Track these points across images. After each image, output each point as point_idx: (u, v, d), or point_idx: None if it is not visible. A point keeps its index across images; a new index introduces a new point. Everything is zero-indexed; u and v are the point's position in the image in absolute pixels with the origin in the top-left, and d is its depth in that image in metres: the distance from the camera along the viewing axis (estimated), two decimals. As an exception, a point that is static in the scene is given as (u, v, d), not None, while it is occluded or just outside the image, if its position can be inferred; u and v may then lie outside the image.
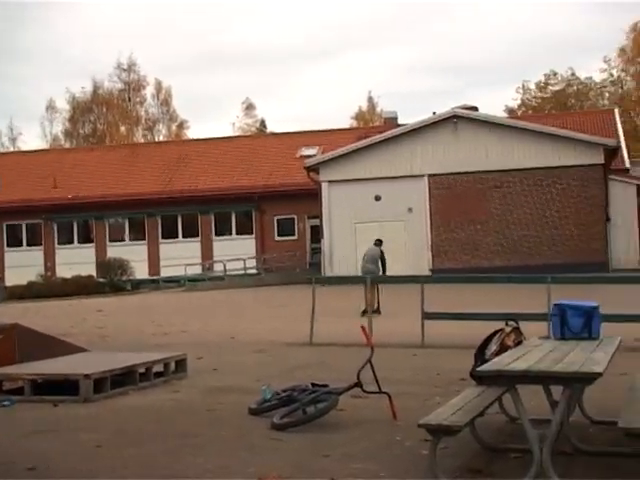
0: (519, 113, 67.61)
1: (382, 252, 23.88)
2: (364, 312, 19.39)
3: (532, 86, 72.48)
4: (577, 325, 7.19)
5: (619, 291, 20.63)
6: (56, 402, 9.20)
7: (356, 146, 38.10)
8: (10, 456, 6.72)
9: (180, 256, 42.02)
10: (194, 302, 29.85)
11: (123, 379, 10.11)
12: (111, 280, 40.82)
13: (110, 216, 45.82)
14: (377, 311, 20.44)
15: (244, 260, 41.35)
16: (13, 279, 42.91)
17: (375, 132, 42.42)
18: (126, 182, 45.89)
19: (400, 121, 44.71)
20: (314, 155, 42.57)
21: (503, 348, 7.15)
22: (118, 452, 6.78)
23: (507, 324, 7.60)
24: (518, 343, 7.30)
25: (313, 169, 38.61)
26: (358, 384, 7.99)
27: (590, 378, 5.56)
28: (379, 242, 24.54)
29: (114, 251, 43.89)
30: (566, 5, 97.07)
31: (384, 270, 23.50)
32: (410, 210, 37.10)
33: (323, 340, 15.57)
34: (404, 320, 17.99)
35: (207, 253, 44.14)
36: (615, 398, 7.97)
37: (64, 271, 42.55)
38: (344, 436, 7.27)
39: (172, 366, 11.24)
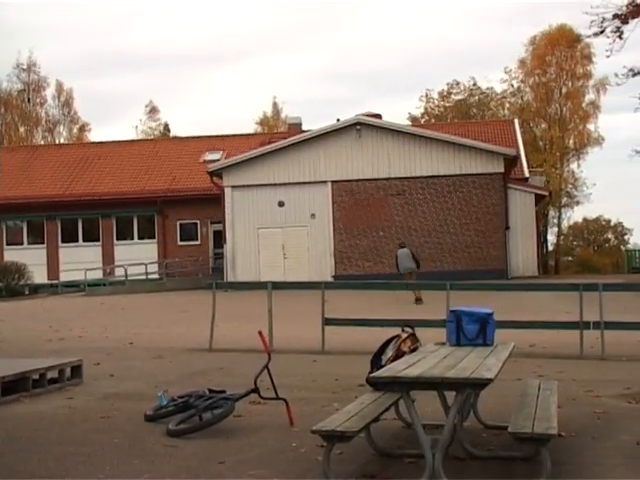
0: (422, 121, 68.45)
1: (412, 251, 28.71)
2: (418, 300, 24.10)
3: (435, 95, 73.53)
4: (472, 331, 7.28)
5: (517, 298, 21.04)
6: (-56, 410, 8.95)
7: (260, 151, 38.05)
8: None
9: (80, 260, 41.39)
10: (93, 307, 29.41)
11: (16, 386, 9.87)
12: (8, 284, 39.92)
13: (8, 219, 44.87)
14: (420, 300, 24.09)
15: (146, 265, 40.89)
16: None
17: (279, 138, 42.46)
18: (25, 184, 45.00)
19: (304, 127, 44.81)
20: (218, 160, 42.37)
21: (399, 354, 7.19)
22: (6, 461, 6.63)
23: (403, 330, 7.66)
24: (414, 349, 7.36)
25: (216, 174, 38.43)
26: (255, 390, 7.96)
27: (481, 384, 5.62)
28: (403, 244, 29.70)
29: (11, 255, 42.94)
30: (469, 17, 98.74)
31: (418, 266, 28.08)
32: (313, 216, 37.20)
33: (223, 346, 15.49)
34: (305, 326, 18.01)
35: (108, 257, 43.56)
36: (509, 403, 8.10)
37: (-41, 275, 41.51)
38: (240, 442, 7.23)
39: (67, 372, 11.02)
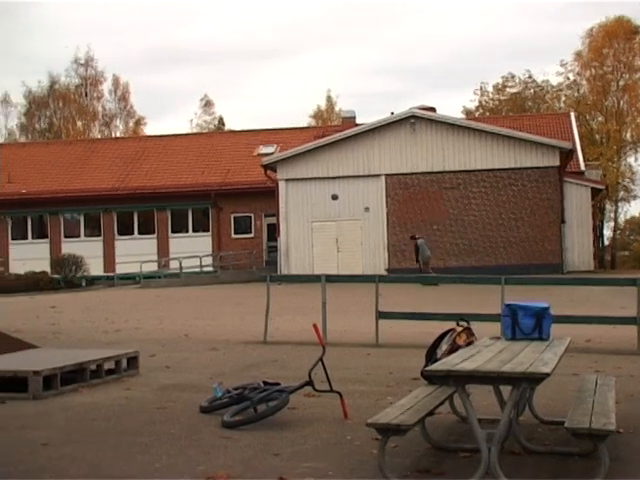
0: (476, 115, 68.01)
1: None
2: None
3: (490, 88, 72.99)
4: (528, 326, 7.22)
5: (572, 293, 20.84)
6: (4, 399, 9.08)
7: (314, 145, 38.10)
8: (-45, 453, 6.63)
9: (136, 253, 41.80)
10: (148, 299, 29.65)
11: (74, 376, 10.00)
12: (65, 276, 40.49)
13: (65, 212, 45.45)
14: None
15: (200, 258, 41.19)
16: (-35, 274, 42.51)
17: (333, 131, 42.47)
18: (82, 178, 45.54)
19: (358, 121, 44.78)
20: (272, 153, 42.53)
21: (454, 348, 7.16)
22: (65, 450, 6.71)
23: (458, 324, 7.62)
24: (469, 343, 7.32)
25: (270, 167, 38.57)
26: (309, 383, 7.97)
27: (538, 378, 5.58)
28: (418, 236, 33.94)
29: (69, 247, 43.53)
30: (525, 9, 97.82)
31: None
32: (367, 209, 37.18)
33: (277, 338, 15.54)
34: (358, 319, 18.03)
35: (163, 250, 43.94)
36: (565, 399, 8.04)
37: (18, 267, 42.18)
38: (294, 434, 7.25)
39: (124, 363, 11.13)
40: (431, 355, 7.33)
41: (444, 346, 7.26)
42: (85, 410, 8.59)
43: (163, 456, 6.47)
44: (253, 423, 7.54)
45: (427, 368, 6.23)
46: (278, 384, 8.32)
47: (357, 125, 41.38)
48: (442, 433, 7.18)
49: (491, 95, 73.32)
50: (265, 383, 8.45)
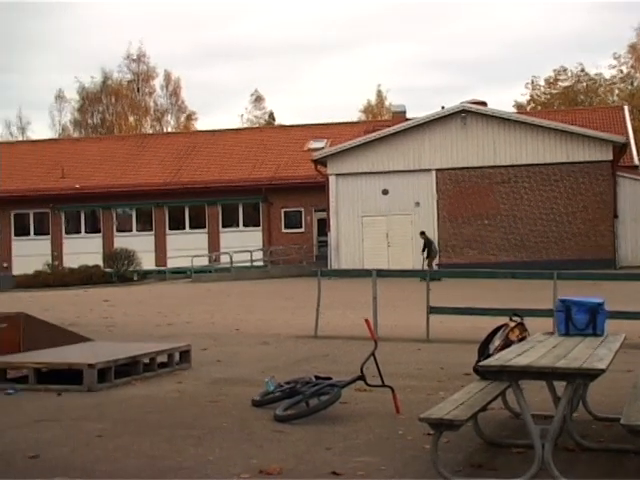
0: (528, 109, 67.48)
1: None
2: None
3: (541, 82, 72.35)
4: (582, 321, 7.16)
5: (625, 288, 20.60)
6: (60, 391, 9.21)
7: (364, 139, 38.09)
8: (13, 444, 6.73)
9: (187, 247, 42.07)
10: (200, 293, 29.87)
11: (127, 369, 10.11)
12: (118, 270, 40.89)
13: (118, 206, 45.87)
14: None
15: (251, 252, 41.36)
16: (20, 268, 43.12)
17: (383, 126, 42.39)
18: (134, 172, 45.91)
19: (408, 115, 44.65)
20: (322, 148, 42.55)
21: (507, 343, 7.12)
22: (120, 442, 6.79)
23: (511, 319, 7.58)
24: (522, 339, 7.27)
25: (321, 162, 38.61)
26: (361, 377, 7.98)
27: (593, 374, 5.54)
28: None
29: (121, 241, 43.96)
30: (577, 2, 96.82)
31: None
32: (417, 204, 37.10)
33: (328, 333, 15.56)
34: (409, 314, 18.00)
35: (214, 245, 44.18)
36: (620, 395, 7.96)
37: (71, 261, 42.67)
38: (346, 429, 7.26)
39: (176, 357, 11.23)
40: (483, 350, 7.29)
41: (497, 341, 7.22)
42: (139, 403, 8.69)
43: (216, 449, 6.53)
44: (305, 417, 7.56)
45: (480, 363, 6.20)
46: (330, 378, 8.34)
47: (407, 120, 41.27)
48: (494, 429, 7.16)
49: (543, 89, 72.69)
50: (317, 377, 8.47)
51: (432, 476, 5.66)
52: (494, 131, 36.55)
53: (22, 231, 46.64)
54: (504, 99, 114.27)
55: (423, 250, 34.08)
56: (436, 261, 34.88)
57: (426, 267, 32.57)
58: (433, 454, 5.66)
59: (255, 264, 41.79)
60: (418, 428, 6.72)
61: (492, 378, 6.43)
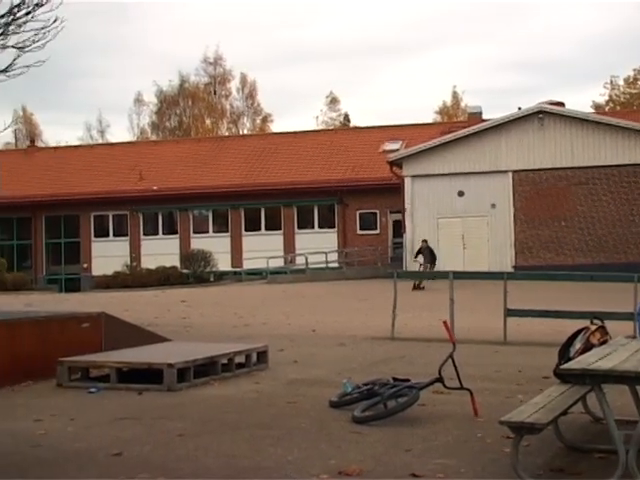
0: (606, 109, 66.48)
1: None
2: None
3: (620, 82, 71.23)
4: (664, 325, 7.06)
5: None
6: (141, 390, 9.35)
7: (440, 141, 37.91)
8: (96, 441, 6.86)
9: (262, 249, 42.29)
10: (275, 295, 30.02)
11: (206, 369, 10.22)
12: (195, 271, 41.30)
13: (194, 208, 46.32)
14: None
15: (326, 254, 41.46)
16: (100, 269, 43.87)
17: (459, 127, 42.17)
18: (211, 174, 46.31)
19: (484, 116, 44.28)
20: (397, 149, 42.47)
21: (588, 347, 7.05)
22: (200, 441, 6.86)
23: (592, 322, 7.49)
24: (603, 342, 7.19)
25: (396, 163, 38.54)
26: (439, 379, 7.96)
27: (678, 379, 5.45)
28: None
29: (198, 243, 44.38)
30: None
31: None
32: (493, 206, 36.80)
33: (404, 334, 15.56)
34: (485, 316, 17.91)
35: (289, 246, 44.35)
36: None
37: (149, 262, 43.22)
38: (425, 431, 7.25)
39: (254, 357, 11.32)
40: (564, 353, 7.22)
41: (578, 344, 7.14)
42: (217, 403, 8.77)
43: (295, 449, 6.56)
44: (383, 419, 7.57)
45: (562, 366, 6.14)
46: (408, 380, 8.32)
47: (483, 121, 40.96)
48: (575, 433, 7.08)
49: (622, 89, 71.56)
50: (395, 379, 8.46)
51: (512, 479, 5.62)
52: (572, 132, 36.09)
53: (102, 233, 47.38)
54: (582, 100, 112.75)
55: (416, 256, 34.49)
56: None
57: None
58: (513, 457, 5.62)
59: (330, 265, 41.87)
60: (497, 431, 6.68)
61: (573, 382, 6.36)
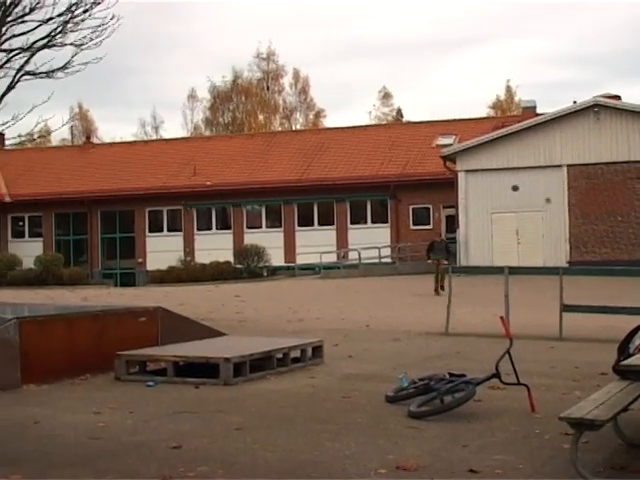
0: (664, 102, 65.52)
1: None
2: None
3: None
4: None
5: None
6: (197, 384, 9.43)
7: (493, 135, 37.66)
8: (156, 434, 6.94)
9: (315, 244, 42.35)
10: (329, 289, 30.07)
11: (261, 363, 10.29)
12: (248, 266, 41.49)
13: (247, 203, 46.52)
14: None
15: (379, 249, 41.42)
16: (154, 264, 44.25)
17: (513, 121, 41.86)
18: (264, 170, 46.46)
19: (539, 110, 43.89)
20: (450, 144, 42.27)
21: (647, 343, 6.97)
22: (257, 435, 6.90)
23: (652, 318, 7.41)
24: (663, 338, 7.10)
25: (449, 158, 38.37)
26: (496, 375, 7.92)
27: None
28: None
29: (251, 238, 44.54)
30: None
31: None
32: (548, 201, 36.48)
33: (459, 330, 15.50)
34: (540, 312, 17.77)
35: (342, 241, 44.37)
36: None
37: (203, 257, 43.48)
38: (482, 426, 7.23)
39: (309, 352, 11.37)
40: (624, 350, 7.15)
41: (637, 340, 7.07)
42: (274, 397, 8.82)
43: (352, 444, 6.58)
44: (439, 414, 7.56)
45: (622, 362, 6.09)
46: (464, 375, 8.30)
47: (537, 115, 40.60)
48: (634, 430, 7.01)
49: (679, 81, 70.53)
50: (451, 374, 8.45)
51: (571, 476, 5.58)
52: (628, 125, 35.63)
53: (156, 228, 47.78)
54: (638, 93, 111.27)
55: (428, 252, 30.06)
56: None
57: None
58: (573, 454, 5.58)
59: (383, 261, 41.83)
60: (555, 427, 6.65)
61: (634, 378, 6.30)
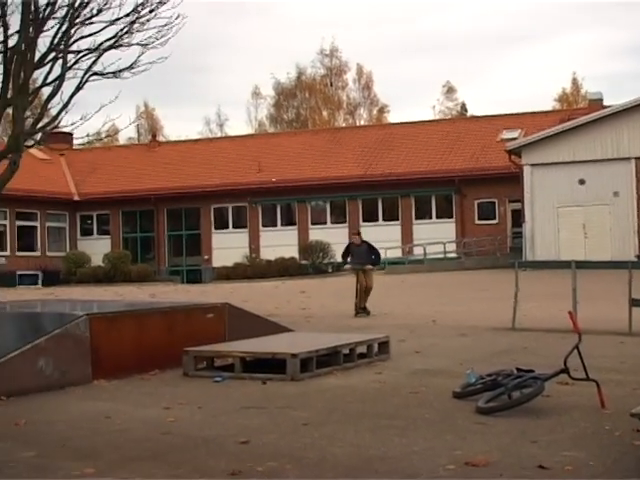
0: None
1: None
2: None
3: None
4: None
5: None
6: (264, 380, 9.49)
7: (560, 128, 37.29)
8: (224, 429, 7.00)
9: (380, 239, 42.19)
10: (394, 285, 30.05)
11: (328, 359, 10.32)
12: (313, 262, 41.59)
13: (312, 199, 46.61)
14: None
15: (444, 244, 41.28)
16: (220, 260, 44.60)
17: (579, 114, 41.37)
18: (328, 166, 46.52)
19: (605, 103, 43.32)
20: (516, 138, 41.93)
21: None
22: (325, 430, 6.93)
23: None
24: None
25: (515, 152, 38.08)
26: (565, 370, 7.85)
27: None
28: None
29: (316, 234, 44.66)
30: None
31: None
32: (616, 194, 36.00)
33: (526, 325, 15.40)
34: (608, 307, 17.57)
35: (407, 236, 44.27)
36: None
37: (268, 253, 43.70)
38: (551, 422, 7.17)
39: (375, 348, 11.38)
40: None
41: None
42: (340, 392, 8.85)
43: (420, 440, 6.57)
44: (507, 410, 7.52)
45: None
46: (532, 371, 8.24)
47: (605, 107, 40.08)
48: None
49: None
50: (518, 370, 8.40)
51: (643, 473, 5.53)
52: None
53: (221, 224, 48.12)
54: None
55: (344, 257, 21.97)
56: None
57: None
58: (644, 450, 5.52)
59: (448, 256, 41.68)
60: (626, 423, 6.58)
61: None
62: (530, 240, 37.05)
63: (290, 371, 9.57)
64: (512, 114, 48.81)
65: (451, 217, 44.30)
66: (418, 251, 42.02)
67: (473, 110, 77.56)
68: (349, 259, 21.32)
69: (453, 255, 42.32)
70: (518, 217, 40.06)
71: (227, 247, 45.63)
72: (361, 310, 19.63)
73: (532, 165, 37.17)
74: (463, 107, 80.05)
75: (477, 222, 43.64)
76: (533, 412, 7.49)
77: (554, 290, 20.93)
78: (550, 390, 8.09)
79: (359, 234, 21.83)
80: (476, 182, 42.86)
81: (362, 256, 20.74)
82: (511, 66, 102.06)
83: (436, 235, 42.09)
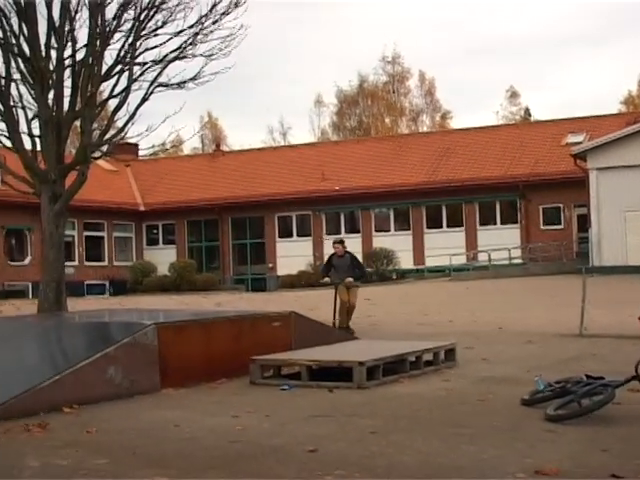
0: None
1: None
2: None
3: None
4: None
5: None
6: (331, 388, 9.50)
7: (627, 131, 36.83)
8: (292, 437, 7.01)
9: (444, 246, 42.13)
10: (459, 292, 29.87)
11: (394, 367, 10.30)
12: (377, 269, 41.53)
13: (376, 207, 46.57)
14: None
15: (509, 250, 40.96)
16: (284, 269, 44.73)
17: (647, 116, 40.81)
18: (391, 173, 46.46)
19: (673, 104, 42.68)
20: (581, 142, 41.47)
21: None
22: (393, 438, 6.91)
23: None
24: None
25: (580, 156, 37.68)
26: (636, 377, 7.73)
27: None
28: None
29: (380, 241, 44.61)
30: None
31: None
32: (685, 197, 35.43)
33: (594, 331, 15.21)
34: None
35: (471, 243, 44.01)
36: None
37: (332, 261, 43.65)
38: (622, 431, 7.07)
39: (442, 355, 11.34)
40: None
41: None
42: (408, 400, 8.82)
43: (489, 448, 6.52)
44: (577, 418, 7.43)
45: None
46: (602, 378, 8.13)
47: (672, 109, 39.53)
48: None
49: None
50: (588, 377, 8.29)
51: None
52: None
53: (285, 233, 48.28)
54: None
55: (325, 271, 20.16)
56: None
57: None
58: None
59: (513, 262, 41.34)
60: (699, 431, 6.46)
61: None
62: (597, 245, 36.61)
63: (357, 379, 9.57)
64: (576, 118, 48.31)
65: (516, 223, 43.93)
66: (482, 257, 41.76)
67: (537, 114, 76.90)
68: (332, 273, 18.93)
69: (518, 261, 41.98)
70: (584, 222, 39.63)
71: (291, 255, 45.77)
72: (344, 329, 16.57)
73: (598, 169, 36.75)
74: (527, 112, 79.42)
75: (542, 227, 43.22)
76: (603, 420, 7.39)
77: (622, 296, 20.66)
78: (621, 397, 7.97)
79: (342, 243, 19.54)
80: (541, 187, 42.46)
81: (344, 269, 18.53)
82: (575, 69, 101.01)
83: (501, 241, 41.78)
